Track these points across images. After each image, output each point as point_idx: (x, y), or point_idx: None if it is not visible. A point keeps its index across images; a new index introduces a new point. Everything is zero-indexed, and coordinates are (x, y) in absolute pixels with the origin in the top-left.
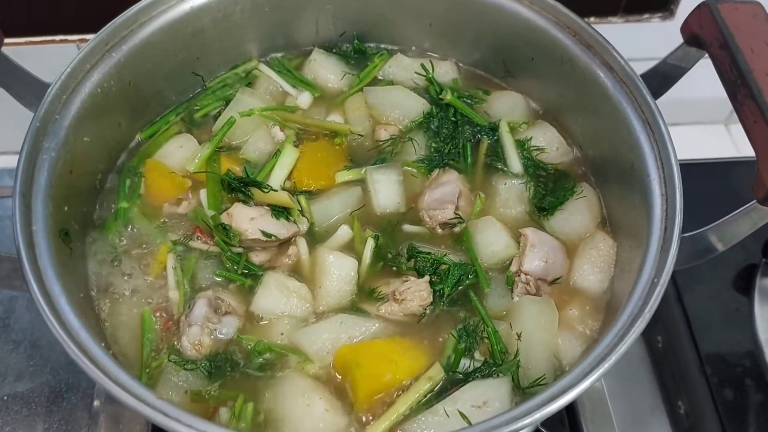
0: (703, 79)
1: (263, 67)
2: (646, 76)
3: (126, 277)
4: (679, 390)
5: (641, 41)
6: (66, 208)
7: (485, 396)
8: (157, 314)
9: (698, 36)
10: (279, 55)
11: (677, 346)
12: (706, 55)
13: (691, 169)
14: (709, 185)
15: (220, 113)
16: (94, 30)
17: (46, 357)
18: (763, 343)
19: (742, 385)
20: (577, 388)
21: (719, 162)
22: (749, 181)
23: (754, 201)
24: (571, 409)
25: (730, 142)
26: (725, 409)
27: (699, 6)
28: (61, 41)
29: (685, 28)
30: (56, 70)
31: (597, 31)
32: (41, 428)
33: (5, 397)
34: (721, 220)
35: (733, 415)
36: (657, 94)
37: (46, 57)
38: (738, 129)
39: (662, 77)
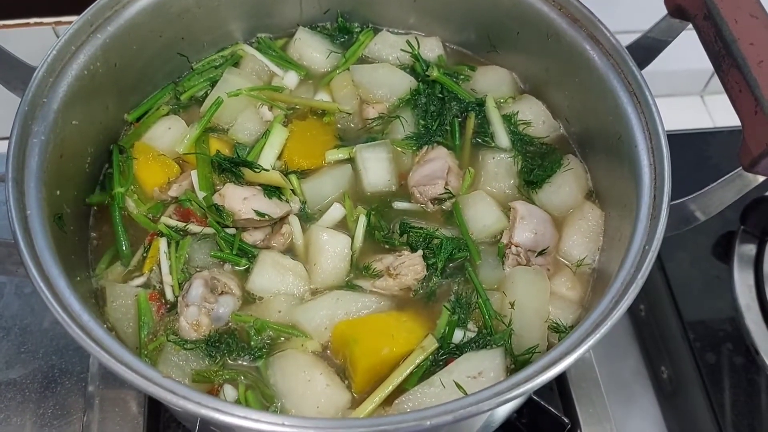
0: (678, 51)
1: (248, 48)
2: (630, 49)
3: (121, 261)
4: (662, 356)
5: (620, 14)
6: (58, 193)
7: (480, 367)
8: (152, 298)
9: (682, 7)
10: (264, 35)
11: (660, 314)
12: (689, 26)
13: (668, 140)
14: (687, 155)
15: (207, 94)
16: (69, 12)
17: (38, 343)
18: (742, 307)
19: (724, 349)
20: (575, 352)
21: (696, 132)
22: (726, 150)
23: (740, 168)
24: (560, 375)
25: (705, 113)
26: (708, 373)
27: None
28: (36, 24)
29: (668, 0)
30: (33, 54)
31: (583, 4)
32: (36, 414)
33: None
34: (707, 188)
35: (715, 378)
36: (641, 65)
37: (22, 41)
38: (713, 100)
39: (646, 49)
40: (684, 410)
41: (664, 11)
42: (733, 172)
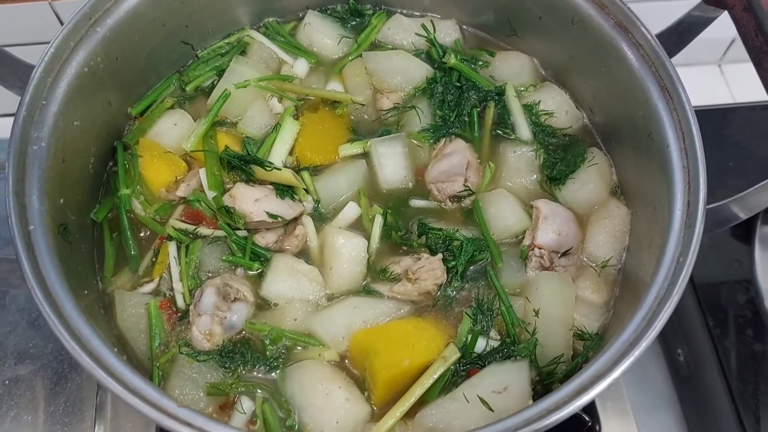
0: None
1: (255, 34)
2: (660, 37)
3: (129, 267)
4: (679, 339)
5: None
6: (62, 201)
7: (505, 381)
8: (163, 306)
9: None
10: (272, 19)
11: None
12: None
13: None
14: (706, 132)
15: (213, 85)
16: None
17: (46, 337)
18: (763, 292)
19: (744, 335)
20: (608, 377)
21: (715, 109)
22: (747, 126)
23: None
24: None
25: (723, 84)
26: (726, 359)
27: None
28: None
29: None
30: (31, 32)
31: None
32: (47, 411)
33: (7, 381)
34: (743, 193)
35: (734, 364)
36: (672, 53)
37: (19, 17)
38: (731, 70)
39: (678, 36)
40: (701, 394)
41: None
42: None
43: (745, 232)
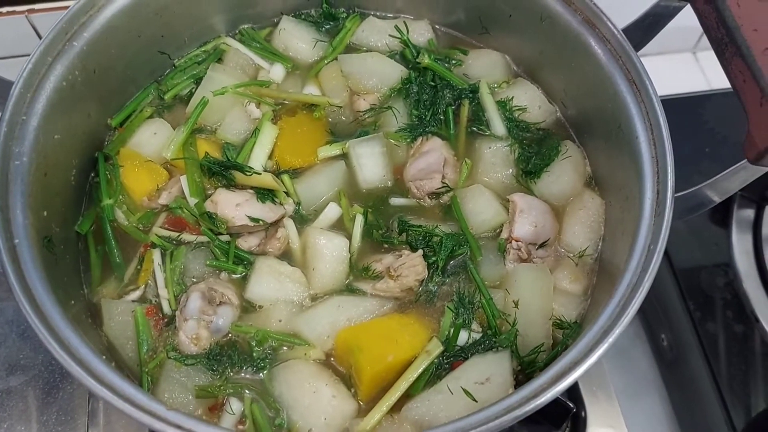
0: None
1: (231, 41)
2: (626, 31)
3: (115, 276)
4: (662, 324)
5: None
6: (45, 214)
7: (487, 372)
8: (149, 313)
9: None
10: (247, 26)
11: (658, 283)
12: None
13: (662, 106)
14: (682, 120)
15: (191, 93)
16: None
17: (36, 348)
18: (741, 274)
19: (724, 317)
20: (585, 362)
21: (690, 96)
22: (721, 113)
23: (745, 161)
24: None
25: (698, 72)
26: (708, 342)
27: None
28: (9, 13)
29: None
30: (8, 44)
31: None
32: (40, 421)
33: None
34: (713, 179)
35: (716, 346)
36: (638, 46)
37: None
38: (706, 57)
39: (644, 29)
40: (686, 378)
41: None
42: (738, 164)
43: (722, 216)
